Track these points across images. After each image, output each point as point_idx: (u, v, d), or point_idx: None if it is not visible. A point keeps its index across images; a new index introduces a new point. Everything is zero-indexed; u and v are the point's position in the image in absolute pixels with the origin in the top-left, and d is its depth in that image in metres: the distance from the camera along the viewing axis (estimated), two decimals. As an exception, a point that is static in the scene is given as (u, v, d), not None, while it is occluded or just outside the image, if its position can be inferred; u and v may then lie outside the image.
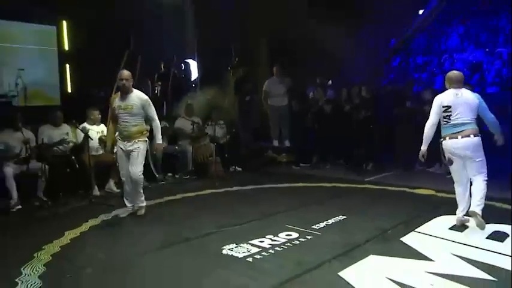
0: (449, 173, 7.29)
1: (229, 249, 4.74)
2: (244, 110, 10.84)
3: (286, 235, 5.18)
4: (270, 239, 5.05)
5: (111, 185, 7.61)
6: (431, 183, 7.69)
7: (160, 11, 11.44)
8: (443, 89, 5.64)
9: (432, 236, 5.14)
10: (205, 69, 12.51)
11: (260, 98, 10.86)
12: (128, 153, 5.97)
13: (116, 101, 5.98)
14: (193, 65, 12.99)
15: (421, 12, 13.48)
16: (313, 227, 5.50)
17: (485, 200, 5.26)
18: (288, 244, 4.92)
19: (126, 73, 5.95)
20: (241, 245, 4.86)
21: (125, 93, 5.92)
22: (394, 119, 9.17)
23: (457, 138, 5.19)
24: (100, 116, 7.74)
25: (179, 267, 4.36)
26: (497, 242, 4.85)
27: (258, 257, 4.54)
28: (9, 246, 5.13)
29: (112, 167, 7.43)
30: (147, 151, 6.13)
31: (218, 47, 12.26)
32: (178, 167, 8.83)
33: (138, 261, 4.52)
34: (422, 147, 5.50)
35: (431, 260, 4.40)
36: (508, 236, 5.05)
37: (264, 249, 4.75)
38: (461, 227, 5.40)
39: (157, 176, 8.27)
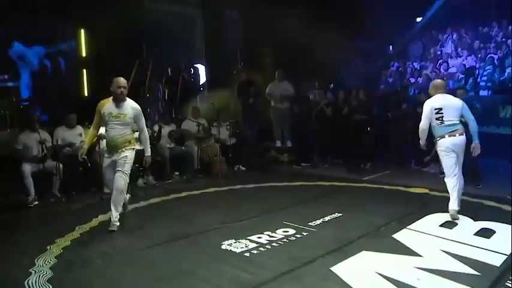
0: (443, 173, 7.38)
1: (228, 245, 4.75)
2: (248, 112, 10.83)
3: (283, 231, 5.18)
4: (268, 235, 5.05)
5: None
6: (426, 182, 7.64)
7: (171, 20, 11.48)
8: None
9: (423, 232, 5.12)
10: (213, 73, 12.51)
11: (263, 100, 10.84)
12: (114, 162, 5.34)
13: (107, 107, 5.33)
14: (201, 69, 13.02)
15: (418, 19, 13.45)
16: (310, 223, 5.48)
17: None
18: (285, 240, 4.91)
19: (123, 80, 5.38)
20: (240, 240, 4.86)
21: (120, 101, 5.33)
22: (390, 121, 9.13)
23: (455, 136, 5.52)
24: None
25: (179, 260, 4.37)
26: (484, 239, 4.82)
27: (255, 252, 4.55)
28: (26, 239, 5.21)
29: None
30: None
31: (225, 53, 12.30)
32: (184, 167, 8.81)
33: (143, 255, 4.54)
34: (421, 142, 5.92)
35: (420, 255, 4.38)
36: (495, 232, 5.02)
37: (261, 244, 4.75)
38: (451, 223, 5.37)
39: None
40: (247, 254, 4.48)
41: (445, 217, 5.53)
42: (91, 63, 11.89)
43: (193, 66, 12.66)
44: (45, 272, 4.09)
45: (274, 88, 10.49)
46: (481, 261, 4.16)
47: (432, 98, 5.72)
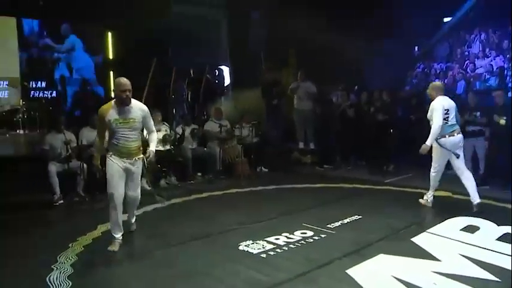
0: None
1: (245, 245, 4.77)
2: (272, 113, 10.85)
3: (301, 233, 5.17)
4: (286, 236, 5.05)
5: (144, 183, 7.71)
6: (449, 185, 7.47)
7: (196, 22, 11.58)
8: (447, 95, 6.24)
9: (443, 236, 5.04)
10: (237, 74, 12.57)
11: (287, 101, 10.84)
12: (126, 171, 4.81)
13: (111, 114, 4.70)
14: (226, 71, 13.10)
15: (446, 20, 13.19)
16: (328, 225, 5.46)
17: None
18: (302, 242, 4.91)
19: (127, 82, 4.72)
20: (258, 241, 4.88)
21: (125, 105, 4.74)
22: (413, 123, 9.00)
23: (454, 135, 6.09)
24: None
25: (196, 260, 4.42)
26: (507, 244, 4.69)
27: (272, 253, 4.56)
28: (51, 236, 5.39)
29: (144, 167, 7.54)
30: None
31: (249, 54, 12.34)
32: (207, 167, 8.88)
33: (161, 254, 4.61)
34: (428, 143, 6.11)
35: (438, 260, 4.32)
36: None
37: (279, 246, 4.76)
38: (473, 227, 5.27)
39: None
40: (264, 255, 4.50)
41: (466, 221, 5.45)
42: (117, 64, 12.12)
43: (218, 67, 12.76)
44: (66, 269, 4.20)
45: (296, 88, 10.48)
46: (501, 267, 4.07)
47: (439, 98, 6.12)
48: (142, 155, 4.94)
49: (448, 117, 6.05)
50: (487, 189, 7.14)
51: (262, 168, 9.60)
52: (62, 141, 7.06)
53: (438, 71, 11.84)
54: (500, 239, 4.90)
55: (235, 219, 5.82)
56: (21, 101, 10.80)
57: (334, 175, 9.07)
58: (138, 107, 4.83)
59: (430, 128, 6.13)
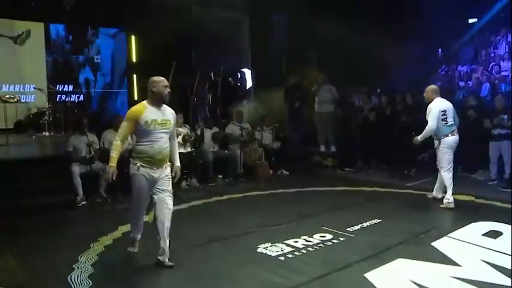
0: (492, 180, 7.55)
1: (264, 248, 4.79)
2: (293, 116, 10.85)
3: (321, 236, 5.16)
4: (305, 239, 5.05)
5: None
6: (472, 189, 7.40)
7: (218, 25, 11.66)
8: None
9: (464, 241, 4.97)
10: (259, 77, 12.61)
11: (308, 104, 10.84)
12: (155, 182, 4.34)
13: (148, 114, 4.27)
14: (248, 73, 13.15)
15: (471, 21, 12.98)
16: (348, 229, 5.44)
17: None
18: (321, 245, 4.90)
19: (166, 80, 4.45)
20: (276, 244, 4.89)
21: (165, 102, 4.43)
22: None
23: (454, 135, 6.50)
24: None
25: (213, 261, 4.44)
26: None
27: (290, 256, 4.57)
28: (73, 236, 5.53)
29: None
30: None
31: (271, 57, 12.36)
32: (228, 170, 8.93)
33: (178, 255, 4.59)
34: (419, 138, 6.57)
35: (458, 265, 4.26)
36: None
37: (297, 249, 4.76)
38: (495, 233, 5.18)
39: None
40: (282, 258, 4.51)
41: (489, 226, 5.36)
42: (141, 67, 12.31)
43: (240, 70, 12.82)
44: (86, 269, 4.29)
45: (317, 91, 10.48)
46: (523, 273, 4.00)
47: (437, 101, 6.50)
48: (169, 162, 4.51)
49: (446, 118, 6.44)
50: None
51: (283, 171, 9.58)
52: (85, 143, 7.18)
53: (462, 74, 11.63)
54: (523, 244, 4.80)
55: (254, 221, 5.83)
56: (47, 103, 11.07)
57: (355, 178, 9.01)
58: (169, 110, 4.47)
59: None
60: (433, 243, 4.86)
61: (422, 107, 7.04)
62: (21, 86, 11.64)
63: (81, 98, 12.44)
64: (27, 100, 11.42)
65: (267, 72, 11.96)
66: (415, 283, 3.82)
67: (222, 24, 11.90)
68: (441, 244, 4.85)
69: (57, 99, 12.00)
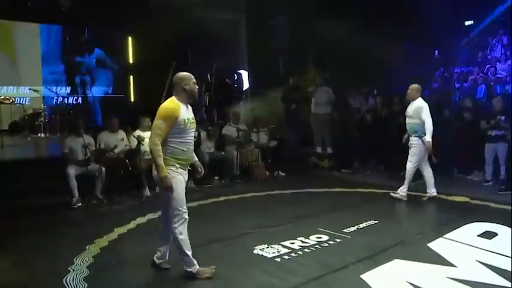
0: (487, 181, 7.74)
1: (260, 249, 4.80)
2: (290, 117, 10.87)
3: (317, 238, 5.18)
4: (301, 241, 5.07)
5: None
6: (467, 191, 7.44)
7: (216, 26, 11.66)
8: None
9: (460, 242, 4.99)
10: (256, 78, 12.62)
11: (305, 106, 10.86)
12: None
13: (184, 112, 3.98)
14: (244, 75, 13.17)
15: (467, 23, 12.99)
16: (344, 230, 5.45)
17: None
18: (317, 246, 4.92)
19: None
20: (273, 245, 4.90)
21: (195, 99, 4.27)
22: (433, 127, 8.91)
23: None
24: (151, 123, 7.91)
25: (209, 263, 4.37)
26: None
27: (286, 257, 4.58)
28: (69, 238, 5.47)
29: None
30: None
31: (269, 59, 12.37)
32: (224, 171, 8.93)
33: (175, 257, 4.56)
34: (428, 138, 6.76)
35: (454, 265, 4.29)
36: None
37: (293, 250, 4.78)
38: (490, 233, 5.22)
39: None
40: (278, 259, 4.52)
41: (484, 227, 5.39)
42: (136, 69, 12.31)
43: (237, 71, 12.83)
44: (82, 271, 4.28)
45: (314, 92, 10.51)
46: (519, 273, 4.03)
47: (421, 99, 6.85)
48: None
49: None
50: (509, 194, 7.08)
51: (280, 172, 9.60)
52: (81, 144, 7.18)
53: (458, 75, 11.68)
54: (518, 245, 4.83)
55: (251, 223, 5.84)
56: (42, 105, 11.04)
57: (352, 180, 9.03)
58: (190, 108, 4.18)
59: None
60: (428, 244, 4.88)
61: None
62: (16, 87, 11.63)
63: (77, 99, 12.41)
64: (21, 102, 11.40)
65: (264, 73, 11.99)
66: (411, 284, 3.84)
67: (219, 24, 11.90)
68: (437, 245, 4.87)
69: (53, 101, 11.98)
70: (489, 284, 3.84)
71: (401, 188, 7.08)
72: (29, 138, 10.44)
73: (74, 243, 5.10)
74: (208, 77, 11.25)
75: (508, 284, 3.83)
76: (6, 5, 10.74)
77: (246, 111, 10.97)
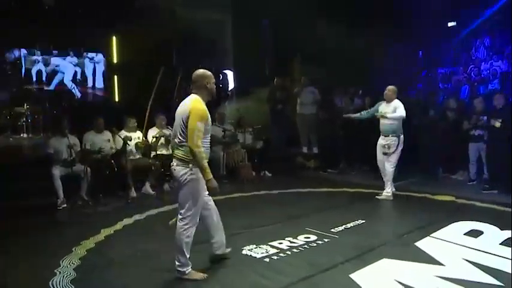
0: (471, 180, 7.68)
1: (248, 250, 4.79)
2: (276, 118, 10.86)
3: (305, 237, 5.19)
4: (289, 241, 5.07)
5: (147, 187, 7.77)
6: (453, 190, 7.54)
7: (201, 26, 11.60)
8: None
9: (446, 241, 5.05)
10: (242, 79, 12.59)
11: (291, 106, 10.88)
12: None
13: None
14: (230, 75, 13.14)
15: (450, 24, 13.10)
16: (332, 230, 5.47)
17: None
18: (306, 246, 4.93)
19: None
20: (261, 246, 4.90)
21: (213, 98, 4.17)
22: (418, 128, 8.99)
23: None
24: (136, 123, 7.87)
25: (197, 264, 4.34)
26: (510, 249, 4.68)
27: (275, 257, 4.58)
28: (54, 240, 5.38)
29: (148, 171, 7.64)
30: None
31: (255, 59, 12.35)
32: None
33: (163, 257, 4.58)
34: (389, 115, 7.01)
35: (442, 264, 4.33)
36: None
37: (282, 250, 4.78)
38: (476, 232, 5.29)
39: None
40: (267, 260, 4.52)
41: (470, 225, 5.47)
42: (122, 69, 12.19)
43: (222, 71, 12.79)
44: (69, 273, 4.22)
45: (299, 92, 10.53)
46: (504, 272, 4.09)
47: (398, 101, 7.03)
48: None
49: None
50: (495, 193, 7.22)
51: (266, 172, 9.59)
52: (66, 145, 7.09)
53: (443, 75, 11.79)
54: (503, 243, 4.91)
55: (238, 223, 5.80)
56: (25, 105, 10.84)
57: (338, 180, 9.06)
58: None
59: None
60: (416, 243, 4.93)
61: (405, 106, 7.09)
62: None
63: (62, 99, 12.22)
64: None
65: (250, 74, 11.96)
66: (399, 283, 3.87)
67: (204, 24, 11.85)
68: (424, 244, 4.91)
69: (37, 100, 11.77)
70: (476, 282, 3.89)
71: (385, 189, 7.19)
72: (11, 139, 10.24)
73: (60, 245, 5.02)
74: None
75: (494, 281, 3.88)
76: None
77: (231, 111, 10.94)
